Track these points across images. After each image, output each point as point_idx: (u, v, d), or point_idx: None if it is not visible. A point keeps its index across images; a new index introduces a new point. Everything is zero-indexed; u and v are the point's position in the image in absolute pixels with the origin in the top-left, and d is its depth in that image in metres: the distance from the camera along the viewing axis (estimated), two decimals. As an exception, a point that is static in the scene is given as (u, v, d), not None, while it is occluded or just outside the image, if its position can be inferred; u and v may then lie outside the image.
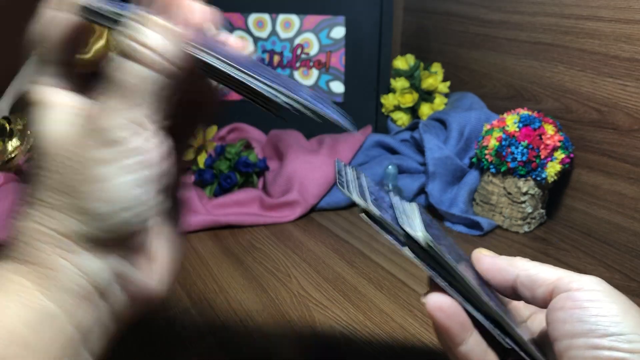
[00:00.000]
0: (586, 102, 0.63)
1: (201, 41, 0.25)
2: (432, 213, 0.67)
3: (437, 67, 0.86)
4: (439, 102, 0.84)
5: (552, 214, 0.67)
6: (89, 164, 0.24)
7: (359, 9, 0.84)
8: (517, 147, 0.61)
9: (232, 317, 0.44)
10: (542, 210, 0.65)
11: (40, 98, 0.26)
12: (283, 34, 0.84)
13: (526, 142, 0.61)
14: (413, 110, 0.86)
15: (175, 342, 0.41)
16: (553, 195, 0.67)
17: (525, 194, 0.62)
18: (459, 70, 0.87)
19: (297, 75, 0.85)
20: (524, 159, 0.61)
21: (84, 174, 0.24)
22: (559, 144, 0.61)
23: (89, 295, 0.25)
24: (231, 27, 0.84)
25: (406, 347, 0.40)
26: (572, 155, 0.63)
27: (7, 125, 0.71)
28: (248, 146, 0.75)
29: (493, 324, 0.28)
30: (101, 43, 0.84)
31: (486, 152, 0.64)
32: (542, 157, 0.61)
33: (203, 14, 0.26)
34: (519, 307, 0.33)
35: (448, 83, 0.85)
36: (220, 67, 0.24)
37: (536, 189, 0.62)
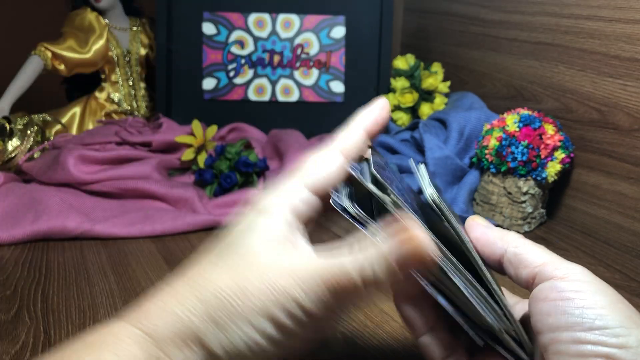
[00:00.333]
0: (586, 102, 0.63)
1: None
2: (432, 213, 0.67)
3: (437, 67, 0.86)
4: (439, 102, 0.84)
5: (552, 214, 0.67)
6: (261, 311, 0.24)
7: (359, 9, 0.84)
8: (517, 147, 0.61)
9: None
10: (542, 210, 0.65)
11: (269, 208, 0.27)
12: (283, 34, 0.84)
13: (526, 142, 0.61)
14: (413, 110, 0.86)
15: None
16: (553, 195, 0.67)
17: (525, 193, 0.62)
18: (459, 70, 0.87)
19: (297, 75, 0.85)
20: (524, 158, 0.61)
21: (251, 314, 0.24)
22: (559, 143, 0.61)
23: None
24: (231, 27, 0.84)
25: (406, 347, 0.40)
26: (572, 155, 0.63)
27: (7, 125, 0.71)
28: (248, 146, 0.75)
29: (471, 321, 0.27)
30: (101, 42, 0.84)
31: (486, 152, 0.64)
32: (542, 157, 0.61)
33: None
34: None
35: (448, 83, 0.85)
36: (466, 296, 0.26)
37: (536, 188, 0.62)
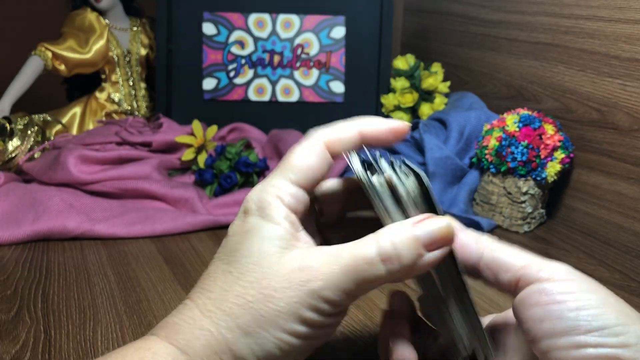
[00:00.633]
0: (586, 102, 0.63)
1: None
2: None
3: (437, 67, 0.86)
4: (439, 102, 0.84)
5: (552, 214, 0.67)
6: (289, 312, 0.24)
7: (359, 9, 0.85)
8: (517, 147, 0.61)
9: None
10: (542, 210, 0.65)
11: (268, 210, 0.27)
12: (283, 34, 0.84)
13: (526, 142, 0.61)
14: (413, 110, 0.86)
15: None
16: (553, 195, 0.67)
17: (525, 193, 0.62)
18: (459, 70, 0.87)
19: (297, 75, 0.85)
20: (524, 158, 0.61)
21: (279, 317, 0.24)
22: (559, 143, 0.61)
23: None
24: (231, 27, 0.84)
25: (406, 347, 0.40)
26: (572, 155, 0.63)
27: (7, 125, 0.71)
28: (248, 146, 0.75)
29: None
30: (101, 43, 0.84)
31: (486, 152, 0.64)
32: (542, 157, 0.61)
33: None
34: None
35: (448, 83, 0.85)
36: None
37: (536, 188, 0.62)
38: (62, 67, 0.80)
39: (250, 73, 0.85)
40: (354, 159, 0.28)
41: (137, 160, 0.69)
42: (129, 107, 0.88)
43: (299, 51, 0.85)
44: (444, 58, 0.89)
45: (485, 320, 0.31)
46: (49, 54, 0.78)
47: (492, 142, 0.63)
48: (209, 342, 0.25)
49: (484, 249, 0.27)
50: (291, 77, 0.85)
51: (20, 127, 0.73)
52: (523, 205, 0.63)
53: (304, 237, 0.27)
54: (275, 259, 0.25)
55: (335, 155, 0.28)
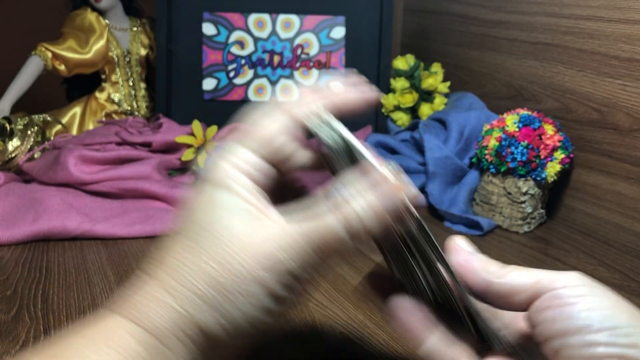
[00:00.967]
0: (586, 102, 0.63)
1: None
2: (432, 213, 0.67)
3: (437, 67, 0.86)
4: (439, 102, 0.84)
5: (552, 214, 0.67)
6: (256, 286, 0.24)
7: (359, 9, 0.85)
8: (517, 147, 0.61)
9: (232, 317, 0.44)
10: (542, 210, 0.65)
11: (227, 181, 0.25)
12: (283, 34, 0.84)
13: (526, 142, 0.61)
14: (413, 110, 0.86)
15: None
16: (553, 195, 0.67)
17: (525, 194, 0.62)
18: (459, 70, 0.87)
19: (297, 75, 0.85)
20: (524, 159, 0.61)
21: (247, 291, 0.24)
22: (558, 144, 0.61)
23: None
24: (231, 27, 0.84)
25: (406, 347, 0.40)
26: (572, 155, 0.63)
27: (7, 125, 0.71)
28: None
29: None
30: (101, 43, 0.84)
31: (486, 152, 0.64)
32: (542, 157, 0.61)
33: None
34: None
35: (448, 83, 0.85)
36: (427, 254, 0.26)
37: (536, 189, 0.62)
38: (62, 67, 0.80)
39: (250, 73, 0.85)
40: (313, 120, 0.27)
41: (137, 160, 0.69)
42: (129, 107, 0.88)
43: (298, 51, 0.85)
44: (444, 58, 0.89)
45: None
46: (49, 54, 0.78)
47: (492, 142, 0.63)
48: (173, 319, 0.24)
49: (492, 276, 0.27)
50: (291, 77, 0.85)
51: (20, 127, 0.73)
52: (523, 205, 0.63)
53: (271, 210, 0.26)
54: (241, 233, 0.24)
55: (299, 124, 0.27)
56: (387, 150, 0.77)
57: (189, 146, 0.72)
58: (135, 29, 0.89)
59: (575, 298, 0.24)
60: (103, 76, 0.87)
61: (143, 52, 0.89)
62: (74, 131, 0.82)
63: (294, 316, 0.45)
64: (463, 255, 0.28)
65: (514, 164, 0.61)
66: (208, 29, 0.84)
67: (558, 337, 0.24)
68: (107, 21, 0.85)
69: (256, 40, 0.84)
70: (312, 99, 0.27)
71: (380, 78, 0.85)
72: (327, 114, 0.27)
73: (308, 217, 0.25)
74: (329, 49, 0.85)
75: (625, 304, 0.24)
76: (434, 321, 0.28)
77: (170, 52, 0.83)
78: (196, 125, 0.73)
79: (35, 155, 0.72)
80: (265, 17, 0.84)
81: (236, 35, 0.84)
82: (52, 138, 0.78)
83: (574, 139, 0.64)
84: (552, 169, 0.61)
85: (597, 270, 0.54)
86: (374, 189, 0.25)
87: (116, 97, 0.87)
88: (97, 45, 0.83)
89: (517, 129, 0.62)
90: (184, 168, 0.73)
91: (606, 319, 0.23)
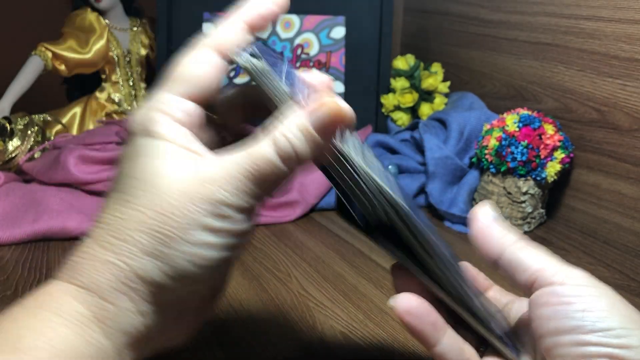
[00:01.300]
0: (586, 102, 0.63)
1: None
2: (432, 213, 0.67)
3: (437, 67, 0.86)
4: (439, 102, 0.84)
5: (552, 214, 0.67)
6: (193, 224, 0.23)
7: (359, 9, 0.85)
8: (517, 147, 0.61)
9: (232, 316, 0.44)
10: (542, 210, 0.65)
11: (154, 127, 0.25)
12: (283, 34, 0.84)
13: (526, 142, 0.61)
14: (413, 110, 0.86)
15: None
16: (553, 195, 0.67)
17: (525, 193, 0.62)
18: (459, 70, 0.87)
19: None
20: (524, 158, 0.61)
21: (184, 231, 0.23)
22: (558, 143, 0.61)
23: (140, 339, 0.25)
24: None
25: (406, 347, 0.40)
26: (572, 155, 0.63)
27: (7, 125, 0.71)
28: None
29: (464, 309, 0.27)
30: (101, 43, 0.84)
31: (486, 152, 0.64)
32: (542, 157, 0.61)
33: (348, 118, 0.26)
34: (495, 294, 0.32)
35: (448, 83, 0.85)
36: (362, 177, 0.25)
37: (536, 188, 0.62)
38: (62, 67, 0.80)
39: (250, 73, 0.85)
40: (243, 53, 0.26)
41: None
42: (129, 107, 0.88)
43: (299, 51, 0.85)
44: (444, 58, 0.89)
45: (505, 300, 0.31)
46: (49, 54, 0.79)
47: (492, 142, 0.63)
48: (113, 273, 0.23)
49: (507, 247, 0.27)
50: (291, 77, 0.85)
51: (20, 127, 0.73)
52: (523, 205, 0.63)
53: (200, 149, 0.25)
54: (171, 176, 0.24)
55: (228, 58, 0.26)
56: (387, 150, 0.77)
57: (189, 146, 0.72)
58: (135, 29, 0.89)
59: (572, 297, 0.24)
60: (103, 76, 0.87)
61: (143, 52, 0.89)
62: (74, 131, 0.83)
63: (294, 316, 0.45)
64: (479, 225, 0.28)
65: (514, 163, 0.61)
66: (208, 29, 0.84)
67: (551, 335, 0.24)
68: (107, 21, 0.85)
69: (256, 40, 0.84)
70: (231, 27, 0.27)
71: (380, 78, 0.85)
72: (250, 49, 0.26)
73: (242, 148, 0.25)
74: (329, 49, 0.85)
75: (622, 306, 0.24)
76: (444, 323, 0.28)
77: (170, 52, 0.83)
78: (196, 125, 0.73)
79: (36, 155, 0.72)
80: (265, 17, 0.84)
81: (236, 35, 0.84)
82: (52, 138, 0.78)
83: (574, 138, 0.64)
84: (552, 169, 0.61)
85: (597, 270, 0.54)
86: (299, 110, 0.25)
87: (116, 97, 0.87)
88: (97, 45, 0.83)
89: (517, 129, 0.62)
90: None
91: (600, 320, 0.23)
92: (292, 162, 0.24)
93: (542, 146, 0.61)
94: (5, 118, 0.72)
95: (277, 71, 0.26)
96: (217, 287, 0.28)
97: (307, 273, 0.52)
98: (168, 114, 0.25)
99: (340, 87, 0.85)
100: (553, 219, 0.67)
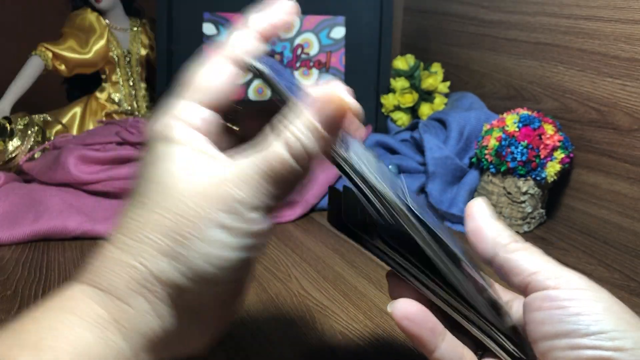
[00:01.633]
0: (586, 102, 0.63)
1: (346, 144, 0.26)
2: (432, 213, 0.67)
3: (437, 67, 0.86)
4: (439, 102, 0.84)
5: (552, 214, 0.67)
6: (210, 224, 0.24)
7: (359, 9, 0.85)
8: (516, 147, 0.61)
9: (232, 316, 0.44)
10: (541, 210, 0.65)
11: (171, 133, 0.25)
12: (283, 34, 0.84)
13: (526, 142, 0.61)
14: (413, 110, 0.86)
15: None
16: (553, 195, 0.67)
17: (525, 193, 0.62)
18: (459, 70, 0.87)
19: (297, 75, 0.85)
20: (524, 158, 0.61)
21: (201, 231, 0.23)
22: (558, 143, 0.61)
23: (157, 342, 0.25)
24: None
25: (407, 347, 0.40)
26: (571, 155, 0.63)
27: (7, 125, 0.71)
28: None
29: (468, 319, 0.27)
30: (101, 43, 0.84)
31: (486, 152, 0.64)
32: (542, 157, 0.61)
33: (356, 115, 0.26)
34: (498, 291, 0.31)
35: (448, 83, 0.85)
36: (369, 179, 0.25)
37: (536, 188, 0.62)
38: (63, 67, 0.80)
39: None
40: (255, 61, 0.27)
41: (137, 160, 0.69)
42: (129, 107, 0.88)
43: (299, 51, 0.85)
44: (444, 58, 0.89)
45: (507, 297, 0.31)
46: (49, 54, 0.79)
47: (492, 142, 0.63)
48: (130, 275, 0.24)
49: (500, 248, 0.27)
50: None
51: (20, 127, 0.73)
52: (523, 205, 0.63)
53: (216, 153, 0.25)
54: (186, 178, 0.24)
55: (242, 67, 0.27)
56: (387, 150, 0.77)
57: (189, 146, 0.72)
58: (135, 29, 0.89)
59: (566, 302, 0.24)
60: (103, 76, 0.87)
61: (143, 52, 0.89)
62: (74, 131, 0.83)
63: (294, 316, 0.45)
64: (474, 223, 0.28)
65: (513, 163, 0.61)
66: (208, 29, 0.84)
67: (546, 339, 0.24)
68: (107, 21, 0.85)
69: (256, 40, 0.84)
70: (245, 37, 0.27)
71: (380, 78, 0.85)
72: (257, 59, 0.26)
73: (255, 150, 0.25)
74: (329, 49, 0.85)
75: (617, 308, 0.24)
76: (442, 328, 0.28)
77: (170, 53, 0.83)
78: (196, 125, 0.73)
79: (36, 155, 0.72)
80: (265, 17, 0.84)
81: (236, 35, 0.84)
82: (52, 138, 0.78)
83: (574, 139, 0.64)
84: (552, 169, 0.61)
85: (597, 270, 0.54)
86: (308, 109, 0.25)
87: (116, 97, 0.87)
88: (97, 46, 0.83)
89: (517, 129, 0.62)
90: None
91: (594, 324, 0.23)
92: (304, 160, 0.25)
93: (542, 146, 0.61)
94: (5, 118, 0.72)
95: (285, 76, 0.26)
96: (236, 291, 0.28)
97: (307, 273, 0.52)
98: (184, 121, 0.25)
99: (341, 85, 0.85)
100: (553, 219, 0.67)
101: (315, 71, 0.85)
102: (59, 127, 0.80)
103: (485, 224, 0.28)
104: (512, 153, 0.61)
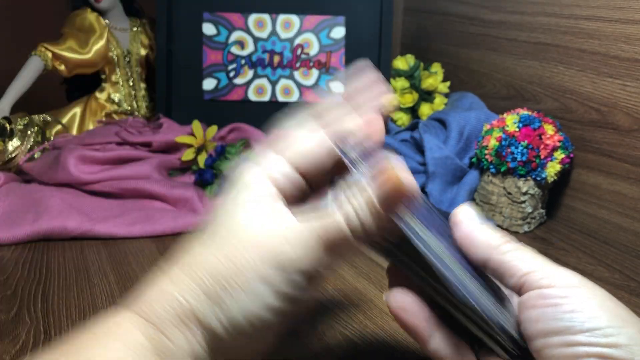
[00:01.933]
0: (586, 102, 0.63)
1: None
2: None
3: (437, 67, 0.86)
4: (439, 102, 0.84)
5: (552, 214, 0.67)
6: (255, 276, 0.24)
7: (359, 9, 0.85)
8: (517, 147, 0.61)
9: (232, 317, 0.44)
10: (542, 210, 0.65)
11: (252, 181, 0.26)
12: (283, 34, 0.84)
13: (526, 142, 0.61)
14: (413, 110, 0.86)
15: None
16: (553, 195, 0.67)
17: (525, 193, 0.62)
18: (459, 70, 0.87)
19: (297, 75, 0.85)
20: (524, 159, 0.61)
21: (245, 281, 0.24)
22: (558, 144, 0.61)
23: None
24: (231, 27, 0.84)
25: (406, 347, 0.40)
26: (572, 155, 0.63)
27: (7, 125, 0.71)
28: (248, 146, 0.75)
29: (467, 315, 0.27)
30: (101, 43, 0.84)
31: (486, 152, 0.64)
32: (542, 157, 0.61)
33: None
34: None
35: (448, 83, 0.85)
36: (428, 260, 0.25)
37: (536, 189, 0.62)
38: (62, 68, 0.80)
39: (250, 73, 0.85)
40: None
41: (137, 160, 0.69)
42: (129, 108, 0.88)
43: (298, 51, 0.85)
44: (444, 58, 0.89)
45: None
46: (49, 54, 0.78)
47: (492, 142, 0.63)
48: (174, 308, 0.24)
49: (492, 251, 0.27)
50: (291, 77, 0.85)
51: (20, 127, 0.73)
52: (523, 205, 0.63)
53: (285, 210, 0.26)
54: (248, 228, 0.25)
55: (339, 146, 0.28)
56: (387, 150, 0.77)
57: (189, 146, 0.72)
58: (135, 29, 0.89)
59: (560, 299, 0.24)
60: (103, 76, 0.87)
61: (143, 52, 0.89)
62: (74, 131, 0.82)
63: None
64: (463, 229, 0.28)
65: (514, 164, 0.61)
66: (208, 29, 0.84)
67: (540, 336, 0.24)
68: (107, 21, 0.85)
69: (256, 40, 0.84)
70: (349, 120, 0.28)
71: (380, 78, 0.85)
72: (350, 143, 0.28)
73: (316, 216, 0.25)
74: (329, 49, 0.85)
75: (611, 304, 0.24)
76: (437, 320, 0.28)
77: (170, 53, 0.83)
78: (196, 125, 0.73)
79: (35, 155, 0.72)
80: (265, 17, 0.84)
81: (236, 35, 0.84)
82: (52, 138, 0.78)
83: (574, 139, 0.64)
84: (552, 169, 0.61)
85: (597, 270, 0.54)
86: (370, 186, 0.25)
87: (116, 97, 0.87)
88: (97, 46, 0.83)
89: (517, 129, 0.62)
90: (184, 168, 0.73)
91: (588, 321, 0.23)
92: (359, 234, 0.25)
93: (542, 146, 0.61)
94: (5, 118, 0.72)
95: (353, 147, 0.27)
96: (266, 344, 0.28)
97: (307, 273, 0.52)
98: (266, 172, 0.26)
99: (340, 87, 0.85)
100: (553, 219, 0.67)
101: (315, 71, 0.85)
102: (58, 127, 0.80)
103: (475, 229, 0.28)
104: (512, 153, 0.61)
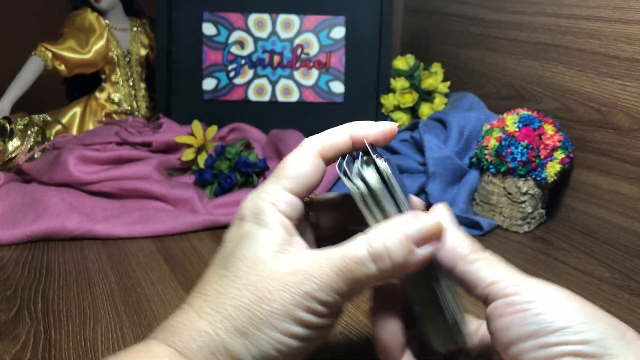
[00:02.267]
0: (586, 102, 0.63)
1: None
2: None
3: (437, 67, 0.86)
4: (439, 102, 0.84)
5: (552, 214, 0.67)
6: (284, 314, 0.25)
7: (359, 9, 0.85)
8: (516, 147, 0.61)
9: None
10: (542, 210, 0.65)
11: (262, 216, 0.27)
12: (283, 34, 0.84)
13: (526, 142, 0.61)
14: (413, 110, 0.86)
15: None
16: (553, 195, 0.67)
17: (525, 194, 0.62)
18: (459, 70, 0.87)
19: (297, 75, 0.85)
20: (524, 159, 0.61)
21: (275, 319, 0.25)
22: (558, 144, 0.61)
23: None
24: (231, 27, 0.84)
25: (406, 347, 0.40)
26: (571, 155, 0.63)
27: (7, 125, 0.71)
28: (248, 146, 0.75)
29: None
30: (101, 43, 0.84)
31: (486, 152, 0.64)
32: (542, 157, 0.61)
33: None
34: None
35: (448, 83, 0.85)
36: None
37: (536, 189, 0.62)
38: (62, 68, 0.80)
39: (250, 73, 0.85)
40: (343, 165, 0.29)
41: (137, 160, 0.69)
42: (129, 107, 0.88)
43: (298, 51, 0.85)
44: (444, 58, 0.89)
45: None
46: (49, 54, 0.78)
47: (492, 142, 0.63)
48: (205, 343, 0.25)
49: (459, 260, 0.27)
50: (291, 77, 0.85)
51: (20, 127, 0.73)
52: (523, 205, 0.63)
53: (298, 242, 0.28)
54: (270, 262, 0.26)
55: (328, 161, 0.30)
56: (387, 150, 0.77)
57: (189, 146, 0.72)
58: (135, 29, 0.89)
59: (527, 304, 0.24)
60: (103, 76, 0.87)
61: (143, 52, 0.89)
62: (74, 131, 0.83)
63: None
64: None
65: (514, 164, 0.61)
66: (208, 29, 0.84)
67: (513, 343, 0.24)
68: (107, 21, 0.85)
69: (256, 40, 0.84)
70: (337, 135, 0.30)
71: (380, 78, 0.85)
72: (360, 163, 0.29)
73: (336, 246, 0.26)
74: (329, 49, 0.85)
75: (578, 302, 0.25)
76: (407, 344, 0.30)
77: (170, 52, 0.83)
78: (196, 125, 0.73)
79: (35, 155, 0.72)
80: (265, 17, 0.84)
81: (236, 35, 0.84)
82: (52, 138, 0.78)
83: (574, 139, 0.64)
84: (552, 169, 0.61)
85: (597, 270, 0.54)
86: (406, 225, 0.26)
87: (116, 97, 0.87)
88: (97, 46, 0.83)
89: (517, 129, 0.62)
90: (184, 168, 0.73)
91: (557, 320, 0.24)
92: (384, 266, 0.26)
93: (542, 146, 0.61)
94: (5, 118, 0.72)
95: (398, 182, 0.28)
96: None
97: (307, 273, 0.52)
98: (275, 205, 0.28)
99: (340, 87, 0.85)
100: (553, 219, 0.67)
101: (315, 71, 0.85)
102: (58, 127, 0.80)
103: (446, 233, 0.28)
104: (512, 153, 0.61)
